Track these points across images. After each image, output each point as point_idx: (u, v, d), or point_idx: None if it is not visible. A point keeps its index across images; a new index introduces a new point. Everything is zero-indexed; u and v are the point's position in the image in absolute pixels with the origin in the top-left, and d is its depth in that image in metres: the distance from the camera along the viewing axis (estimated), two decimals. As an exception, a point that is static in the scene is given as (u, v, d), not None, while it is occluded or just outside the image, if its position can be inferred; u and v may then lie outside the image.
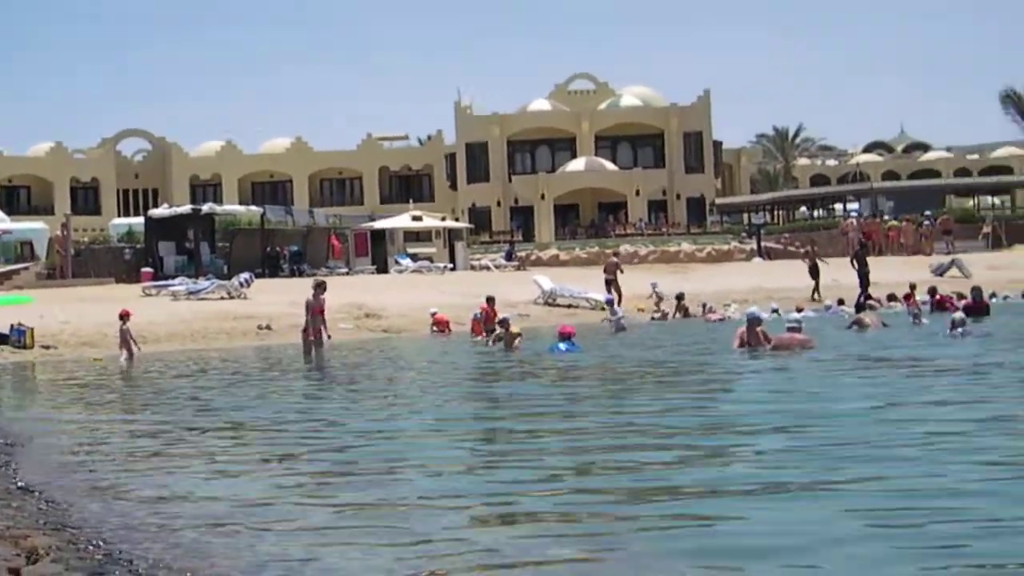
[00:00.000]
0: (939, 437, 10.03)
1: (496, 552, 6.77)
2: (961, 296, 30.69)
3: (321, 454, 10.84)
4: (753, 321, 20.73)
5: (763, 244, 62.12)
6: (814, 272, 37.84)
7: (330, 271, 46.70)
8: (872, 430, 10.69)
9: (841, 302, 34.03)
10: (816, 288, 37.52)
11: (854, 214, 64.03)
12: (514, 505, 8.13)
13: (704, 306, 34.27)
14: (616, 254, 39.87)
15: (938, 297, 31.34)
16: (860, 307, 29.53)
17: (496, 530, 7.39)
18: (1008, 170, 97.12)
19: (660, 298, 35.78)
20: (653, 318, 34.22)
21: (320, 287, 24.55)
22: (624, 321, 29.57)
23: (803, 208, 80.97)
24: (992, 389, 13.87)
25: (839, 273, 37.54)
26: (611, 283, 36.66)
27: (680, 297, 34.86)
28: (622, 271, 37.69)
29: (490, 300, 29.80)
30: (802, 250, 37.25)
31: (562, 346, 22.08)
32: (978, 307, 27.55)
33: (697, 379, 17.09)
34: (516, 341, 24.07)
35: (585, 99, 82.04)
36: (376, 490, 8.79)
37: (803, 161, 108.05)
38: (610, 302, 33.03)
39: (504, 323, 25.02)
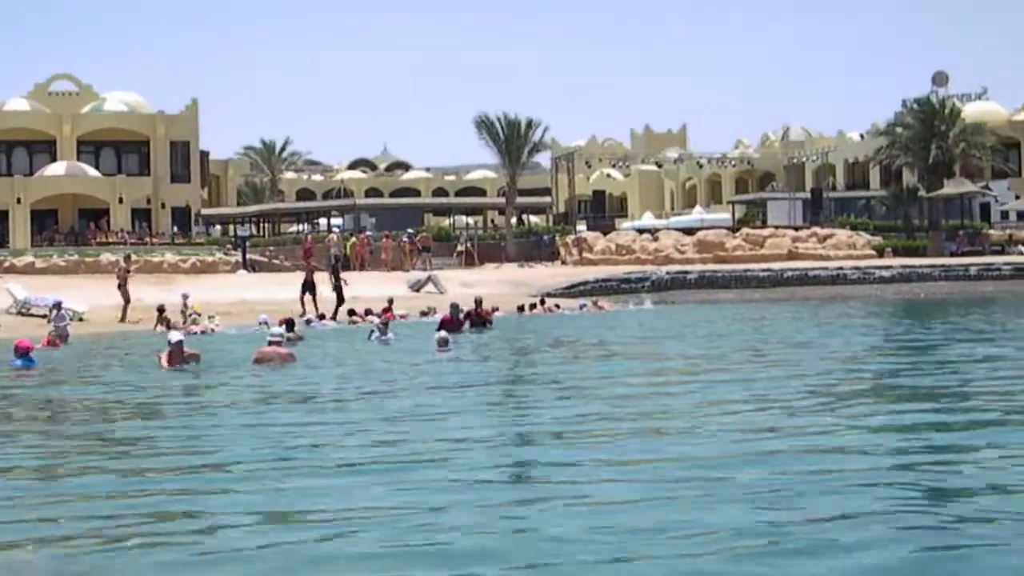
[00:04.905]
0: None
1: None
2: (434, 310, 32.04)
3: None
4: (175, 345, 20.57)
5: (248, 256, 62.34)
6: (310, 287, 36.79)
7: None
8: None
9: (323, 317, 34.92)
10: (314, 303, 36.99)
11: (336, 229, 65.59)
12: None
13: (188, 317, 33.93)
14: (127, 259, 38.80)
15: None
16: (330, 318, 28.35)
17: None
18: (482, 192, 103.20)
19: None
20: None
21: None
22: (67, 327, 29.27)
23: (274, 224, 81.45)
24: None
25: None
26: (120, 287, 35.89)
27: (161, 309, 34.13)
28: (129, 272, 36.79)
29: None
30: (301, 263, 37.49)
31: (18, 361, 21.56)
32: (454, 323, 29.26)
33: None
34: None
35: (67, 101, 79.02)
36: None
37: (290, 175, 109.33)
38: (57, 305, 31.99)
39: None
